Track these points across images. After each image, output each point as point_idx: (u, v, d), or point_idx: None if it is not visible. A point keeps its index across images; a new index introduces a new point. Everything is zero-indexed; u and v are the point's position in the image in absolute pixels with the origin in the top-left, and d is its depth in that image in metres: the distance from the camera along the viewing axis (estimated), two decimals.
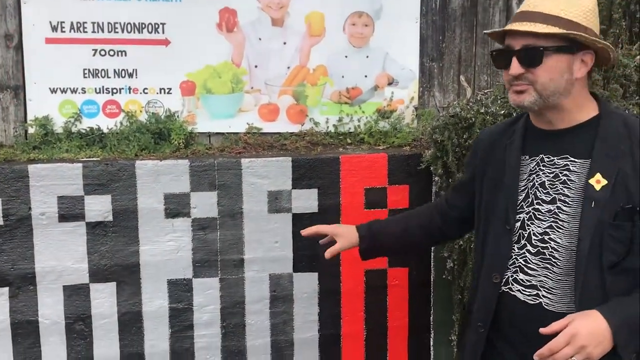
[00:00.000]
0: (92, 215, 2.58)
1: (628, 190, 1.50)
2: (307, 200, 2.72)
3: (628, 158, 1.52)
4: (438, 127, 2.67)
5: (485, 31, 1.76)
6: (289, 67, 2.96)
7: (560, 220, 1.57)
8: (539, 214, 1.60)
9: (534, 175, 1.63)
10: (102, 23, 2.78)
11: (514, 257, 1.64)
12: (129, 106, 2.85)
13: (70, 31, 2.76)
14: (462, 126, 2.64)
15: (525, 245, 1.62)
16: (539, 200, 1.60)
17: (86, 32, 2.77)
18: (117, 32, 2.80)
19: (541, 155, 1.63)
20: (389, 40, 3.01)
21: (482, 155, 1.81)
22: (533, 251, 1.60)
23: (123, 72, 2.83)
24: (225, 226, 2.68)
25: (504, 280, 1.65)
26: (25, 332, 2.57)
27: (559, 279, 1.57)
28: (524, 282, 1.62)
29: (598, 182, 1.52)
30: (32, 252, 2.54)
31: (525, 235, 1.62)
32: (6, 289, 2.54)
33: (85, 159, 2.64)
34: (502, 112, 2.64)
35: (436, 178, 2.72)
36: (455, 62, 3.10)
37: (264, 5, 2.90)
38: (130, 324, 2.65)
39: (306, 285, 2.76)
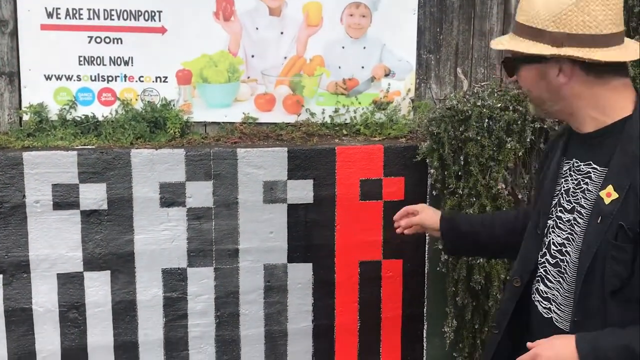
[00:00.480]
0: (86, 203, 2.57)
1: (636, 208, 1.35)
2: (302, 191, 2.72)
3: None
4: (434, 120, 2.68)
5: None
6: (285, 57, 2.94)
7: (574, 232, 1.47)
8: (560, 222, 1.51)
9: (563, 180, 1.54)
10: (98, 10, 2.76)
11: (538, 264, 1.56)
12: (125, 94, 2.84)
13: (65, 18, 2.74)
14: (459, 119, 2.64)
15: (545, 254, 1.54)
16: (562, 208, 1.51)
17: (82, 18, 2.75)
18: (113, 19, 2.78)
19: (574, 159, 1.53)
20: (387, 32, 3.00)
21: (543, 160, 1.75)
22: (552, 262, 1.53)
23: (119, 59, 2.81)
24: (220, 216, 2.68)
25: (532, 288, 1.57)
26: (19, 319, 2.57)
27: (566, 296, 1.49)
28: (542, 293, 1.55)
29: (609, 195, 1.39)
30: (26, 240, 2.53)
31: (547, 243, 1.54)
32: (0, 276, 2.53)
33: (80, 147, 2.62)
34: (499, 105, 2.65)
35: (432, 170, 2.72)
36: (453, 55, 3.10)
37: None
38: (124, 313, 2.65)
39: (300, 275, 2.76)
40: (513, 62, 1.51)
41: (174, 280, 2.67)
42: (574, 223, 1.47)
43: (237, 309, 2.73)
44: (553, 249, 1.52)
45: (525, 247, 1.62)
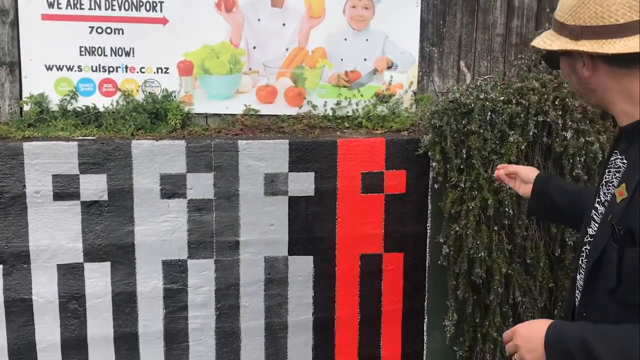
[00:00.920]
0: (87, 194, 2.56)
1: (633, 209, 1.30)
2: (303, 184, 2.71)
3: None
4: (437, 113, 2.66)
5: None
6: (287, 49, 2.93)
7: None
8: (595, 214, 1.48)
9: (607, 172, 1.49)
10: (99, 0, 2.74)
11: (581, 258, 1.52)
12: (126, 85, 2.82)
13: (66, 7, 2.72)
14: (461, 112, 2.62)
15: (585, 244, 1.50)
16: (599, 200, 1.48)
17: (83, 8, 2.74)
18: (115, 10, 2.76)
19: (616, 151, 1.48)
20: (389, 24, 2.98)
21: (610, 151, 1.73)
22: (586, 254, 1.50)
23: (120, 50, 2.80)
24: (221, 208, 2.67)
25: (577, 279, 1.55)
26: (19, 310, 2.56)
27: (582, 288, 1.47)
28: (578, 281, 1.52)
29: (620, 194, 1.35)
30: (26, 230, 2.53)
31: (587, 234, 1.51)
32: (0, 266, 2.53)
33: (80, 138, 2.61)
34: (502, 98, 2.64)
35: (434, 163, 2.71)
36: (456, 47, 3.08)
37: None
38: (124, 304, 2.64)
39: (301, 268, 2.76)
40: (550, 55, 1.51)
41: (174, 272, 2.67)
42: (600, 218, 1.45)
43: (237, 301, 2.73)
44: (587, 240, 1.49)
45: (578, 240, 1.66)
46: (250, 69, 2.91)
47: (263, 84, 2.93)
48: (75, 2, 2.73)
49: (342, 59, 2.97)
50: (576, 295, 1.51)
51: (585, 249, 1.49)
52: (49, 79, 2.76)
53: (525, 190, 1.90)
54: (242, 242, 2.70)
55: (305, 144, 2.71)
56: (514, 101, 2.64)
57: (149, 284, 2.65)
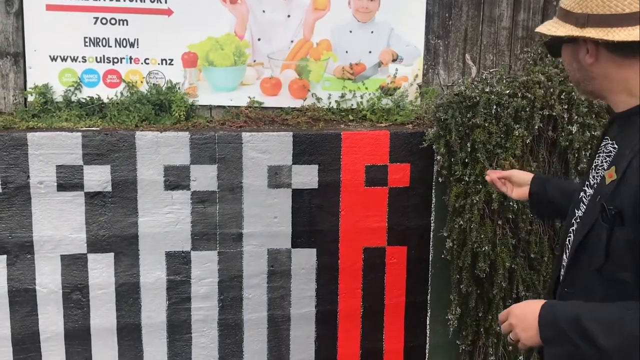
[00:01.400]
0: (91, 185, 2.56)
1: (622, 190, 1.36)
2: (307, 176, 2.71)
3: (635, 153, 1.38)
4: (442, 106, 2.65)
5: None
6: (292, 41, 2.92)
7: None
8: (584, 197, 1.54)
9: (597, 157, 1.56)
10: None
11: (568, 238, 1.59)
12: (130, 76, 2.82)
13: None
14: (466, 105, 2.61)
15: (573, 224, 1.57)
16: (588, 183, 1.54)
17: None
18: (119, 1, 2.75)
19: (607, 137, 1.55)
20: (395, 16, 2.97)
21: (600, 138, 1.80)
22: (572, 235, 1.55)
23: (124, 41, 2.79)
24: (224, 200, 2.67)
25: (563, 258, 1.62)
26: (23, 300, 2.57)
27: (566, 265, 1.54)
28: (563, 261, 1.58)
29: (610, 175, 1.42)
30: (30, 221, 2.53)
31: (575, 215, 1.56)
32: (4, 256, 2.54)
33: (84, 129, 2.61)
34: (507, 91, 2.62)
35: (438, 157, 2.69)
36: (461, 40, 3.06)
37: None
38: (128, 295, 2.65)
39: (304, 260, 2.75)
40: (552, 43, 1.54)
41: (178, 264, 2.67)
42: (589, 199, 1.51)
43: (240, 293, 2.73)
44: (576, 220, 1.55)
45: (566, 223, 1.66)
46: (254, 61, 2.90)
47: (267, 76, 2.92)
48: None
49: (347, 52, 2.96)
50: (560, 273, 1.57)
51: (572, 229, 1.55)
52: (54, 70, 2.76)
53: (520, 193, 1.92)
54: (246, 235, 2.70)
55: (309, 136, 2.70)
56: (519, 95, 2.63)
57: (153, 275, 2.66)
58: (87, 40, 2.77)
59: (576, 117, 2.64)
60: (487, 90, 2.62)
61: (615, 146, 1.48)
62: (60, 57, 2.76)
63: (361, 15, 2.95)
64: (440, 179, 2.74)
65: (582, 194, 1.56)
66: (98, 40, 2.78)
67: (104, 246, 2.60)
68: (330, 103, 2.97)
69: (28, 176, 2.51)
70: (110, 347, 2.66)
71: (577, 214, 1.55)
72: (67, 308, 2.61)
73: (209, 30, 2.83)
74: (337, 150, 2.72)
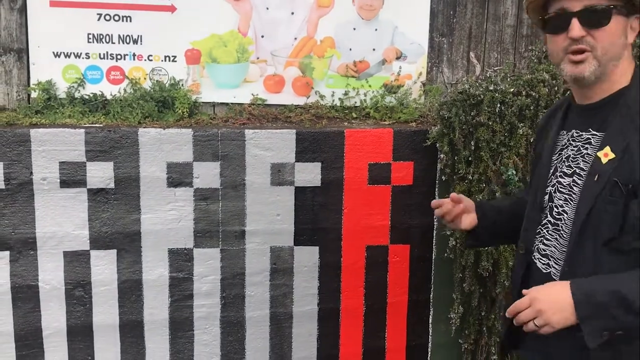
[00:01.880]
0: (93, 181, 2.56)
1: (632, 167, 1.44)
2: (310, 174, 2.70)
3: (638, 133, 1.46)
4: (446, 104, 2.64)
5: None
6: (296, 38, 2.91)
7: (573, 193, 1.56)
8: (560, 187, 1.59)
9: (564, 150, 1.62)
10: None
11: (540, 228, 1.65)
12: (133, 73, 2.82)
13: None
14: (470, 103, 2.60)
15: (547, 216, 1.63)
16: (561, 173, 1.60)
17: None
18: None
19: (572, 131, 1.61)
20: (399, 14, 2.96)
21: (538, 140, 1.83)
22: (552, 222, 1.61)
23: (128, 38, 2.79)
24: (227, 197, 2.66)
25: (532, 249, 1.67)
26: (26, 296, 2.58)
27: (563, 250, 1.57)
28: (541, 251, 1.64)
29: (606, 155, 1.48)
30: (33, 217, 2.53)
31: (549, 208, 1.63)
32: (7, 252, 2.54)
33: (87, 125, 2.61)
34: (512, 90, 2.61)
35: (442, 155, 2.69)
36: (466, 38, 3.05)
37: None
38: (130, 292, 2.65)
39: (307, 258, 2.75)
40: (610, 9, 1.48)
41: (180, 261, 2.67)
42: (573, 185, 1.56)
43: (242, 290, 2.73)
44: (554, 212, 1.60)
45: (528, 219, 1.71)
46: (258, 58, 2.90)
47: (271, 73, 2.92)
48: None
49: (350, 49, 2.95)
50: (540, 260, 1.63)
51: (549, 220, 1.61)
52: (57, 66, 2.76)
53: (469, 220, 1.85)
54: (248, 232, 2.69)
55: (313, 134, 2.70)
56: (523, 93, 2.62)
57: (155, 272, 2.66)
58: (90, 36, 2.77)
59: None
60: (491, 88, 2.61)
61: (595, 133, 1.54)
62: (63, 53, 2.76)
63: (365, 13, 2.94)
64: (443, 177, 2.73)
65: (552, 187, 1.61)
66: (101, 36, 2.77)
67: (107, 243, 2.60)
68: (333, 100, 2.96)
69: (31, 172, 2.51)
70: (112, 343, 2.66)
71: (552, 205, 1.60)
72: (70, 304, 2.61)
73: (212, 27, 2.83)
74: (340, 148, 2.71)
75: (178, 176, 2.62)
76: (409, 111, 2.92)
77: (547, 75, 2.66)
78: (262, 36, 2.88)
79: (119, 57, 2.80)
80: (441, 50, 3.04)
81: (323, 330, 2.82)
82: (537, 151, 1.83)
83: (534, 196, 1.68)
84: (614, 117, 1.51)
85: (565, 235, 1.56)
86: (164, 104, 2.79)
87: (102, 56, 2.79)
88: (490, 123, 2.58)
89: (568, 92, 1.77)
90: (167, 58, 2.83)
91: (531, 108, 2.60)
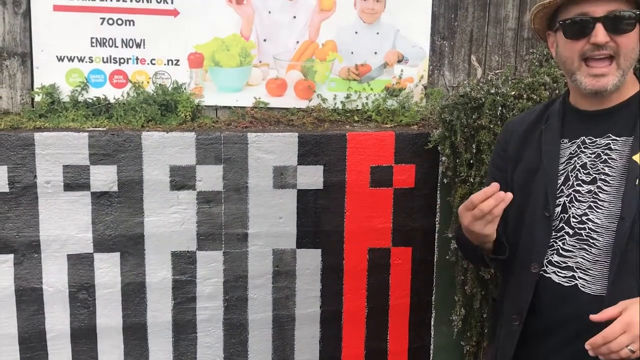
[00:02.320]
0: (97, 185, 2.57)
1: None
2: (312, 177, 2.72)
3: None
4: (447, 107, 2.65)
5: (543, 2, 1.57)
6: (298, 42, 2.93)
7: (600, 200, 1.51)
8: (579, 196, 1.54)
9: (575, 158, 1.56)
10: None
11: (553, 240, 1.57)
12: (136, 77, 2.83)
13: None
14: (472, 106, 2.61)
15: (563, 227, 1.56)
16: (580, 182, 1.54)
17: (94, 0, 2.74)
18: (126, 1, 2.77)
19: (582, 138, 1.56)
20: (400, 17, 2.97)
21: (514, 146, 1.72)
22: (571, 232, 1.54)
23: (131, 42, 2.81)
24: (230, 200, 2.67)
25: (542, 264, 1.58)
26: (30, 299, 2.59)
27: (596, 260, 1.50)
28: (559, 263, 1.55)
29: None
30: (37, 220, 2.55)
31: (565, 218, 1.56)
32: (11, 255, 2.55)
33: (91, 129, 2.63)
34: (513, 93, 2.62)
35: (443, 158, 2.70)
36: (467, 42, 3.06)
37: None
38: (134, 295, 2.66)
39: (309, 261, 2.76)
40: (635, 16, 1.48)
41: (183, 263, 2.68)
42: (598, 191, 1.51)
43: (245, 293, 2.74)
44: (573, 221, 1.54)
45: (532, 233, 1.60)
46: (260, 62, 2.91)
47: (273, 77, 2.93)
48: None
49: (352, 52, 2.97)
50: (557, 273, 1.53)
51: (567, 232, 1.52)
52: (60, 70, 2.78)
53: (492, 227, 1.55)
54: (251, 235, 2.71)
55: (315, 137, 2.71)
56: (525, 96, 2.63)
57: (158, 275, 2.67)
58: (93, 40, 2.78)
59: None
60: (492, 91, 2.62)
61: (616, 138, 1.51)
62: (67, 57, 2.77)
63: (367, 17, 2.96)
64: (445, 180, 2.74)
65: (562, 199, 1.54)
66: (105, 40, 2.79)
67: (110, 246, 2.62)
68: (335, 104, 2.97)
69: (35, 176, 2.53)
70: (116, 346, 2.68)
71: (572, 214, 1.53)
72: (74, 307, 2.62)
73: (215, 30, 2.84)
74: (343, 151, 2.72)
75: (181, 179, 2.63)
76: (410, 114, 2.93)
77: (548, 79, 2.67)
78: (265, 40, 2.90)
79: (122, 61, 2.81)
80: (442, 54, 3.05)
81: (325, 333, 2.83)
82: (511, 155, 1.71)
83: (539, 210, 1.59)
84: (625, 122, 1.50)
85: (599, 244, 1.49)
86: (167, 107, 2.81)
87: (105, 60, 2.80)
88: (491, 126, 2.59)
89: (555, 97, 1.75)
90: (170, 62, 2.85)
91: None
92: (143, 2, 2.78)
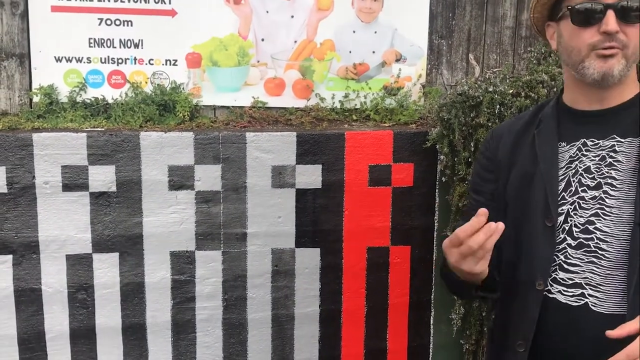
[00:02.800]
0: (95, 185, 2.57)
1: None
2: (311, 176, 2.72)
3: None
4: (445, 105, 2.65)
5: None
6: (296, 41, 2.93)
7: (606, 206, 1.39)
8: (583, 202, 1.41)
9: (576, 162, 1.45)
10: None
11: (555, 255, 1.43)
12: (134, 77, 2.83)
13: None
14: (470, 105, 2.61)
15: (565, 239, 1.42)
16: (584, 187, 1.42)
17: (92, 0, 2.75)
18: (124, 2, 2.77)
19: (583, 140, 1.46)
20: (398, 16, 2.97)
21: (505, 151, 1.60)
22: (574, 244, 1.41)
23: (129, 42, 2.81)
24: (228, 200, 2.68)
25: (546, 283, 1.43)
26: (28, 299, 2.59)
27: (607, 274, 1.37)
28: (564, 280, 1.41)
29: None
30: (35, 221, 2.55)
31: (567, 228, 1.42)
32: (10, 256, 2.55)
33: (89, 129, 2.63)
34: (511, 91, 2.62)
35: (442, 157, 2.70)
36: (465, 40, 3.06)
37: None
38: (133, 295, 2.66)
39: (308, 260, 2.76)
40: (630, 11, 1.40)
41: (182, 263, 2.68)
42: (605, 197, 1.40)
43: (244, 292, 2.74)
44: (575, 231, 1.41)
45: (534, 246, 1.46)
46: (258, 61, 2.91)
47: (271, 76, 2.93)
48: None
49: (350, 52, 2.97)
50: (563, 292, 1.39)
51: (569, 244, 1.40)
52: (59, 71, 2.78)
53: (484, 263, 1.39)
54: (250, 234, 2.71)
55: (313, 136, 2.71)
56: (522, 94, 2.63)
57: (157, 275, 2.67)
58: (91, 41, 2.78)
59: None
60: (490, 89, 2.62)
61: (621, 140, 1.41)
62: (65, 58, 2.77)
63: (364, 16, 2.96)
64: (443, 179, 2.74)
65: (565, 207, 1.42)
66: (103, 41, 2.79)
67: (109, 246, 2.62)
68: (333, 103, 2.97)
69: (33, 176, 2.53)
70: (115, 346, 2.68)
71: (574, 223, 1.41)
72: (73, 307, 2.62)
73: (212, 30, 2.85)
74: (341, 150, 2.72)
75: (179, 179, 2.63)
76: (408, 113, 2.93)
77: (546, 77, 2.68)
78: (262, 39, 2.90)
79: (120, 61, 2.82)
80: (440, 52, 3.05)
81: (325, 332, 2.83)
82: (502, 161, 1.59)
83: (539, 219, 1.46)
84: (628, 123, 1.41)
85: (609, 256, 1.36)
86: (165, 107, 2.81)
87: (103, 60, 2.80)
88: (489, 124, 2.59)
89: (546, 101, 1.66)
90: (168, 62, 2.85)
91: (530, 109, 2.61)
92: (141, 2, 2.78)
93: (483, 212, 1.32)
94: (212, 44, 2.85)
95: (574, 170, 1.45)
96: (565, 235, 1.42)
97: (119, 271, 2.64)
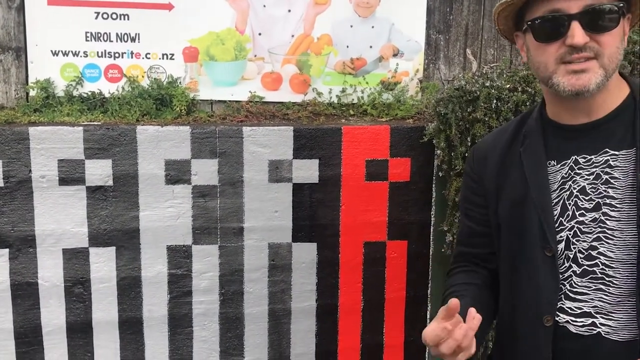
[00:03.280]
0: (92, 179, 2.57)
1: None
2: (308, 171, 2.72)
3: None
4: (442, 100, 2.65)
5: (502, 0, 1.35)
6: (293, 36, 2.92)
7: (608, 229, 1.29)
8: (583, 227, 1.31)
9: (569, 183, 1.33)
10: None
11: (561, 284, 1.33)
12: (131, 71, 2.83)
13: None
14: (467, 99, 2.61)
15: (570, 267, 1.33)
16: (582, 211, 1.31)
17: None
18: None
19: (574, 157, 1.33)
20: (396, 11, 2.97)
21: (490, 177, 1.48)
22: (579, 271, 1.31)
23: (125, 36, 2.80)
24: (225, 194, 2.68)
25: (554, 314, 1.33)
26: (25, 293, 2.59)
27: (618, 301, 1.28)
28: (572, 310, 1.32)
29: None
30: (32, 215, 2.55)
31: (571, 256, 1.32)
32: (6, 250, 2.55)
33: (86, 123, 2.62)
34: (508, 86, 2.62)
35: (438, 151, 2.70)
36: (462, 35, 3.06)
37: None
38: (129, 289, 2.66)
39: (305, 255, 2.76)
40: (617, 10, 1.25)
41: (179, 257, 2.68)
42: (605, 219, 1.29)
43: (241, 287, 2.74)
44: (580, 257, 1.32)
45: (535, 278, 1.36)
46: (255, 56, 2.91)
47: (268, 71, 2.93)
48: None
49: (347, 46, 2.97)
50: (573, 323, 1.32)
51: (574, 271, 1.32)
52: (55, 65, 2.77)
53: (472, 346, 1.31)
54: (247, 229, 2.71)
55: (310, 131, 2.71)
56: (520, 89, 2.63)
57: (154, 269, 2.67)
58: (88, 35, 2.78)
59: None
60: (487, 84, 2.62)
61: (615, 153, 1.30)
62: (61, 51, 2.77)
63: (362, 10, 2.95)
64: (440, 174, 2.75)
65: (565, 232, 1.32)
66: (99, 35, 2.78)
67: (106, 240, 2.62)
68: (331, 98, 2.97)
69: (30, 170, 2.52)
70: (112, 340, 2.68)
71: (577, 250, 1.31)
72: (69, 302, 2.62)
73: (209, 24, 2.84)
74: (338, 145, 2.72)
75: (176, 173, 2.63)
76: (405, 108, 2.93)
77: None
78: (260, 34, 2.90)
79: (116, 55, 2.81)
80: (438, 47, 3.05)
81: (321, 326, 2.83)
82: (488, 188, 1.47)
83: (538, 249, 1.35)
84: (619, 133, 1.29)
85: (617, 282, 1.27)
86: (162, 101, 2.81)
87: (100, 54, 2.80)
88: (486, 119, 2.59)
89: (527, 111, 1.51)
90: (165, 56, 2.84)
91: (527, 104, 2.61)
92: None
93: (454, 302, 1.27)
94: (209, 38, 2.85)
95: (568, 193, 1.33)
96: (571, 263, 1.33)
97: (115, 265, 2.64)
